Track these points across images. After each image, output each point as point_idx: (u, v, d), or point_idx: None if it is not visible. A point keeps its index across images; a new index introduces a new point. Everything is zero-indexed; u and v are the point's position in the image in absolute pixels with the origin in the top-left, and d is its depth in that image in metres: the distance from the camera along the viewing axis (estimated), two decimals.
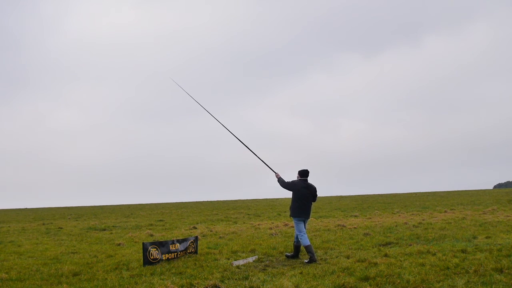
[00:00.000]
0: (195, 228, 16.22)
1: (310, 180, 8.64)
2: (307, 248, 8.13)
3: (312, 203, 8.59)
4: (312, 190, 8.54)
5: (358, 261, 7.64)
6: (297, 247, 8.52)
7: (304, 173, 8.60)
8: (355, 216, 19.72)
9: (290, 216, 8.73)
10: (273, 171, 8.78)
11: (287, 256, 8.60)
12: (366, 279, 6.18)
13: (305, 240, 8.22)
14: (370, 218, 17.97)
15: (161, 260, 8.24)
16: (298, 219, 8.41)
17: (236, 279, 6.56)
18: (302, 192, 8.42)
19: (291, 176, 8.86)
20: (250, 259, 8.33)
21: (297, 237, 8.45)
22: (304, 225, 8.52)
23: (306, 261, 8.01)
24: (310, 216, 8.63)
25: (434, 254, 7.92)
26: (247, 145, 9.14)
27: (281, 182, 8.64)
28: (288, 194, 8.82)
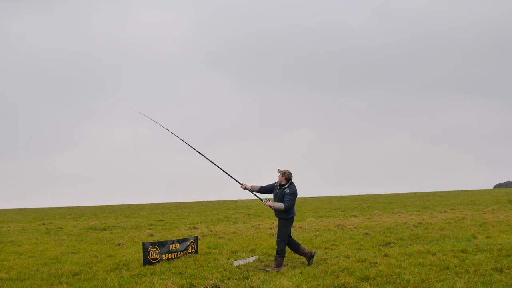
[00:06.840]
0: (195, 228, 16.23)
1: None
2: None
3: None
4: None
5: (358, 261, 7.65)
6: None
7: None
8: (355, 216, 19.73)
9: None
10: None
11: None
12: (366, 279, 6.19)
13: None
14: (370, 218, 17.97)
15: (161, 260, 8.25)
16: None
17: (236, 279, 6.57)
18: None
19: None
20: (250, 259, 8.34)
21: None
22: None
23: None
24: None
25: (434, 254, 7.93)
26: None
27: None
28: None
